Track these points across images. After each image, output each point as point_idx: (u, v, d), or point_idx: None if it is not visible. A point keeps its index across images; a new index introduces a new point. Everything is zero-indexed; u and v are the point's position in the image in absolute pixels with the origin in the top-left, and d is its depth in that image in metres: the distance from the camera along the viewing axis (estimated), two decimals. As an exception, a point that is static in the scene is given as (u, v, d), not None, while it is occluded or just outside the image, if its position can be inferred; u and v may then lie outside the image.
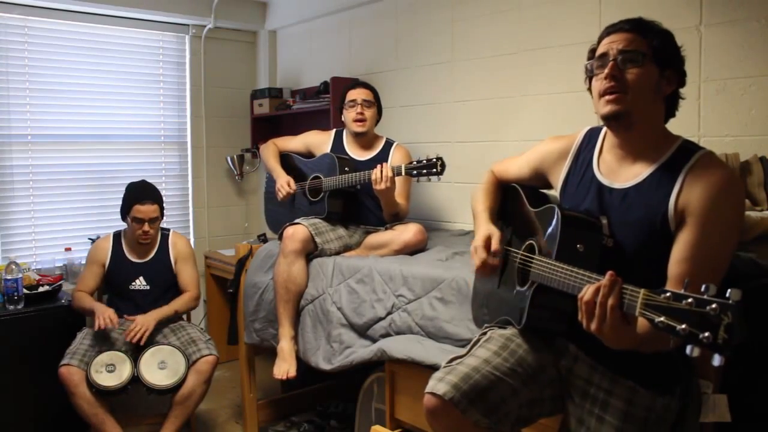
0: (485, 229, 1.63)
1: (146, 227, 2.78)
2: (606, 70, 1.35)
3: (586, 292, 1.18)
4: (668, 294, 1.00)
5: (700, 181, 1.27)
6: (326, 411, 3.04)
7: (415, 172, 2.36)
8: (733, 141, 2.13)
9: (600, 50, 1.39)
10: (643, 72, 1.33)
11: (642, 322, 1.17)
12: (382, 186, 2.42)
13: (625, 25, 1.37)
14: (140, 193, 2.81)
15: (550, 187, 1.67)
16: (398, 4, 3.33)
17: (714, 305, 0.93)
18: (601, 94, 1.36)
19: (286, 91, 4.01)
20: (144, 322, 2.68)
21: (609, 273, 1.14)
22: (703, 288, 0.96)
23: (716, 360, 0.92)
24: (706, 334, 0.92)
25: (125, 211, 2.81)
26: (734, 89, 2.13)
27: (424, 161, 2.34)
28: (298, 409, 3.14)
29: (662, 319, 0.99)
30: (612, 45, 1.36)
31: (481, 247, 1.58)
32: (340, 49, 3.70)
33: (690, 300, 0.96)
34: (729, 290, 0.93)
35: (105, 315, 2.62)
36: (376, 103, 2.81)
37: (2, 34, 3.34)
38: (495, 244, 1.57)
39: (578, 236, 1.38)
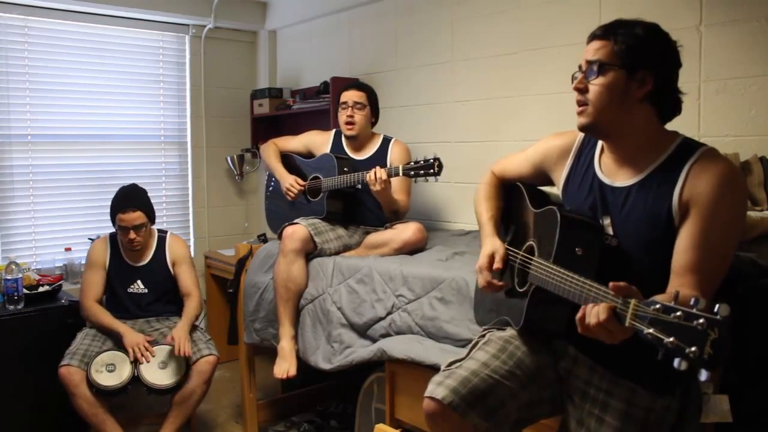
0: (489, 245, 1.63)
1: (131, 235, 2.72)
2: (574, 84, 1.39)
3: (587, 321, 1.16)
4: (658, 306, 1.00)
5: (703, 174, 1.28)
6: (326, 411, 3.04)
7: (412, 173, 2.36)
8: (733, 141, 2.13)
9: (581, 61, 1.41)
10: (603, 82, 1.34)
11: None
12: (377, 187, 2.44)
13: (598, 31, 1.38)
14: (122, 201, 2.74)
15: (551, 184, 1.67)
16: (398, 4, 3.33)
17: (701, 320, 0.93)
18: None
19: (286, 91, 4.01)
20: (182, 337, 2.62)
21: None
22: (692, 301, 0.96)
23: (703, 375, 0.93)
24: (693, 348, 0.93)
25: (112, 219, 2.78)
26: (734, 89, 2.13)
27: (422, 162, 2.34)
28: (298, 409, 3.14)
29: (650, 330, 1.00)
30: (585, 56, 1.39)
31: (485, 268, 1.59)
32: (340, 49, 3.70)
33: (678, 313, 0.96)
34: (717, 305, 0.93)
35: (140, 346, 2.57)
36: (368, 105, 2.78)
37: (2, 34, 3.34)
38: (498, 263, 1.57)
39: (577, 239, 1.38)
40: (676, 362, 0.95)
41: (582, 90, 1.37)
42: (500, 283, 1.57)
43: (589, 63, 1.36)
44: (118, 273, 2.83)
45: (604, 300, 1.14)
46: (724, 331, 0.91)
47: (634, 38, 1.32)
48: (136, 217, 2.73)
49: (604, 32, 1.36)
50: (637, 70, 1.32)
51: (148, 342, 2.62)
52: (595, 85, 1.34)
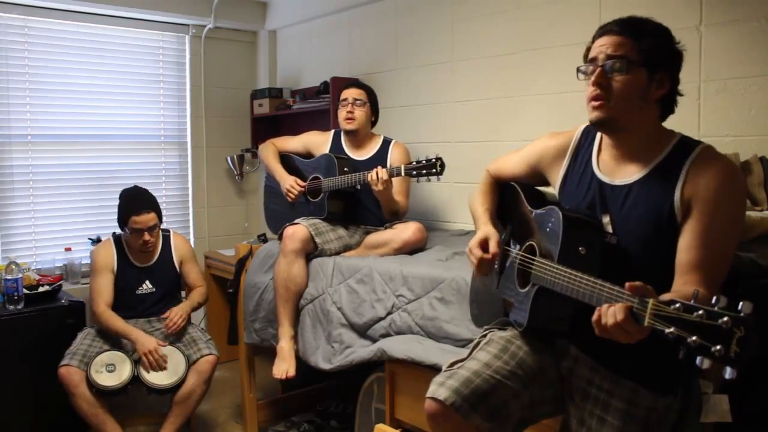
0: (483, 231, 1.63)
1: (146, 236, 2.72)
2: (593, 77, 1.35)
3: (604, 321, 1.15)
4: (678, 305, 0.99)
5: (704, 172, 1.28)
6: (326, 411, 3.04)
7: (414, 172, 2.36)
8: (733, 141, 2.13)
9: (591, 54, 1.39)
10: (629, 79, 1.32)
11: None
12: (379, 187, 2.44)
13: (615, 27, 1.36)
14: (135, 203, 2.74)
15: (547, 184, 1.67)
16: (398, 4, 3.33)
17: (726, 318, 0.93)
18: (588, 100, 1.38)
19: (286, 91, 4.01)
20: (179, 311, 2.73)
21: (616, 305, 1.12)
22: (713, 300, 0.96)
23: (728, 373, 0.92)
24: (718, 347, 0.92)
25: (122, 222, 2.76)
26: (734, 89, 2.13)
27: (424, 161, 2.34)
28: (298, 409, 3.14)
29: (672, 330, 0.99)
30: (601, 49, 1.36)
31: (476, 247, 1.58)
32: (340, 49, 3.70)
33: (701, 312, 0.96)
34: (741, 303, 0.93)
35: (151, 349, 2.58)
36: (368, 102, 2.79)
37: (2, 34, 3.34)
38: (493, 247, 1.57)
39: (580, 238, 1.37)
40: (698, 360, 0.95)
41: (602, 84, 1.34)
42: (489, 256, 1.56)
43: (611, 57, 1.33)
44: (126, 275, 2.82)
45: (619, 300, 1.13)
46: (750, 329, 0.91)
47: (659, 38, 1.33)
48: (150, 218, 2.73)
49: (622, 28, 1.34)
50: (657, 71, 1.32)
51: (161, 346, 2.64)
52: (619, 81, 1.32)
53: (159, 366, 2.58)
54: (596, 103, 1.35)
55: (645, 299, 1.07)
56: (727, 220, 1.27)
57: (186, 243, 3.01)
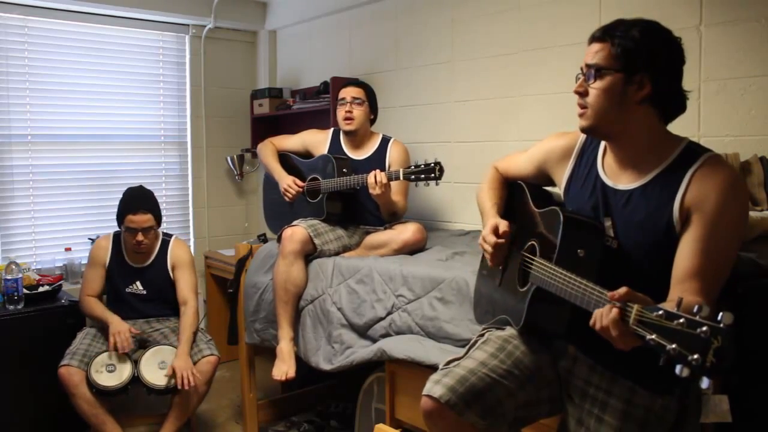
0: (492, 221, 1.63)
1: (140, 237, 2.72)
2: (574, 87, 1.40)
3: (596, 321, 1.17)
4: (661, 312, 1.00)
5: (705, 181, 1.27)
6: (326, 411, 3.04)
7: (413, 177, 2.36)
8: (733, 141, 2.13)
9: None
10: (602, 86, 1.34)
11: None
12: (377, 191, 2.43)
13: (598, 32, 1.37)
14: (134, 202, 2.74)
15: (553, 184, 1.67)
16: (398, 4, 3.33)
17: (705, 328, 0.93)
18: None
19: (286, 91, 4.01)
20: (184, 367, 2.54)
21: (610, 294, 1.13)
22: (695, 308, 0.96)
23: (705, 382, 0.93)
24: (695, 356, 0.93)
25: (119, 219, 2.77)
26: (734, 89, 2.13)
27: (422, 166, 2.33)
28: (298, 409, 3.14)
29: (653, 336, 1.00)
30: (585, 58, 1.39)
31: (489, 233, 1.58)
32: (340, 49, 3.70)
33: (682, 320, 0.97)
34: (721, 313, 0.93)
35: (121, 336, 2.56)
36: (367, 101, 2.78)
37: (2, 34, 3.34)
38: (503, 227, 1.57)
39: (580, 241, 1.37)
40: (677, 369, 0.95)
41: (582, 93, 1.38)
42: (503, 240, 1.56)
43: (588, 66, 1.36)
44: (118, 272, 2.83)
45: (607, 304, 1.13)
46: (727, 340, 0.91)
47: (631, 41, 1.31)
48: (146, 219, 2.73)
49: (603, 34, 1.36)
50: (635, 73, 1.31)
51: (133, 335, 2.64)
52: (594, 89, 1.35)
53: (122, 346, 2.55)
54: (580, 111, 1.40)
55: (629, 304, 1.07)
56: (727, 230, 1.26)
57: (184, 250, 2.93)
